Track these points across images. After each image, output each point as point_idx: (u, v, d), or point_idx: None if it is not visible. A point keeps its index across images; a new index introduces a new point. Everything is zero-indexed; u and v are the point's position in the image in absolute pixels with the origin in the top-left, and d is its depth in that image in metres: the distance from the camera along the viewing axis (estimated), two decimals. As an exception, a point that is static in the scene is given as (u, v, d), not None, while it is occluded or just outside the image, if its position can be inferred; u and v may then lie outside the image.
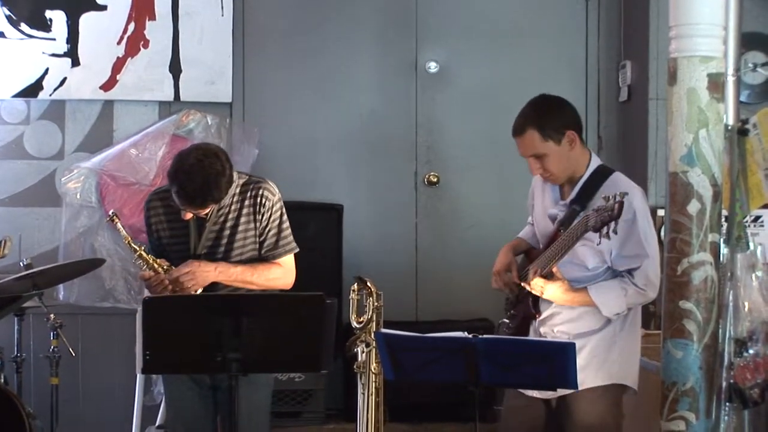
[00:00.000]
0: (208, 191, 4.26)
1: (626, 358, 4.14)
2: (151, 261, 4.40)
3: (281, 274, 4.52)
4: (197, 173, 4.23)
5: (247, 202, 4.46)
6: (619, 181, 4.11)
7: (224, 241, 4.45)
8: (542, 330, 4.17)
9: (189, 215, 4.37)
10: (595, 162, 4.16)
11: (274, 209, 4.49)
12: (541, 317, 4.16)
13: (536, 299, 4.16)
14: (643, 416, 4.50)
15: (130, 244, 4.41)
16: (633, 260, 4.02)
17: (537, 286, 4.06)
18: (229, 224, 4.45)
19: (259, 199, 4.46)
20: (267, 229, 4.49)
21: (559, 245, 3.97)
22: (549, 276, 4.04)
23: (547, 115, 4.08)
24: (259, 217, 4.47)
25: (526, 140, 4.07)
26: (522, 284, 4.17)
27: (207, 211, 4.37)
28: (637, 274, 4.01)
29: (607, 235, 3.73)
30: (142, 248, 4.42)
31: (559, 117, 4.09)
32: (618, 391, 4.13)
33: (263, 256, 4.50)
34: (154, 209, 4.54)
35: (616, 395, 4.12)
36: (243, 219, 4.46)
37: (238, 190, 4.46)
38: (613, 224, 3.70)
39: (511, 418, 4.25)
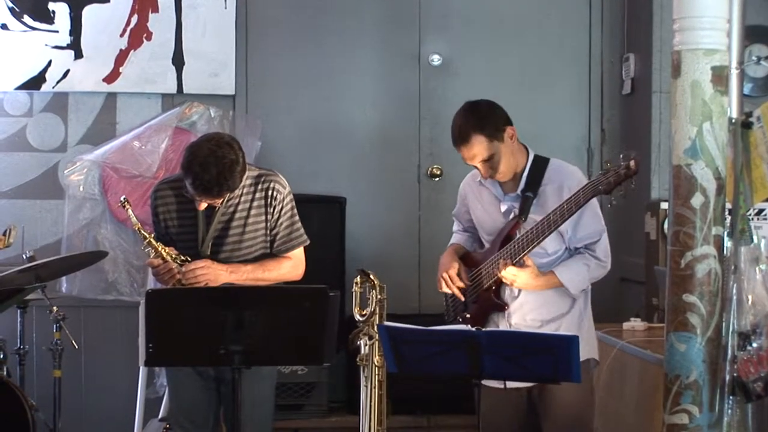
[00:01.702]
0: (224, 181, 4.27)
1: (591, 333, 4.35)
2: (159, 249, 4.39)
3: (291, 267, 4.54)
4: (212, 164, 4.24)
5: (257, 195, 4.46)
6: (561, 165, 4.31)
7: (232, 232, 4.44)
8: (513, 321, 4.26)
9: (203, 205, 4.38)
10: (531, 152, 4.31)
11: (285, 202, 4.50)
12: (510, 309, 4.26)
13: (498, 293, 4.25)
14: (646, 409, 4.50)
15: (139, 231, 4.40)
16: (593, 235, 4.22)
17: (509, 275, 4.16)
18: (238, 215, 4.45)
19: (270, 192, 4.47)
20: (279, 222, 4.49)
21: (541, 227, 4.07)
22: (520, 264, 4.15)
23: (487, 117, 4.22)
24: (270, 209, 4.47)
25: (475, 146, 4.19)
26: (497, 276, 4.21)
27: (222, 200, 4.38)
28: (597, 247, 4.23)
29: (624, 195, 3.88)
30: (152, 235, 4.42)
31: (496, 116, 4.25)
32: (588, 364, 4.24)
33: (275, 250, 4.51)
34: (162, 198, 4.53)
35: (587, 369, 4.23)
36: (254, 212, 4.46)
37: (248, 182, 4.45)
38: (628, 181, 3.85)
39: (492, 416, 4.25)
